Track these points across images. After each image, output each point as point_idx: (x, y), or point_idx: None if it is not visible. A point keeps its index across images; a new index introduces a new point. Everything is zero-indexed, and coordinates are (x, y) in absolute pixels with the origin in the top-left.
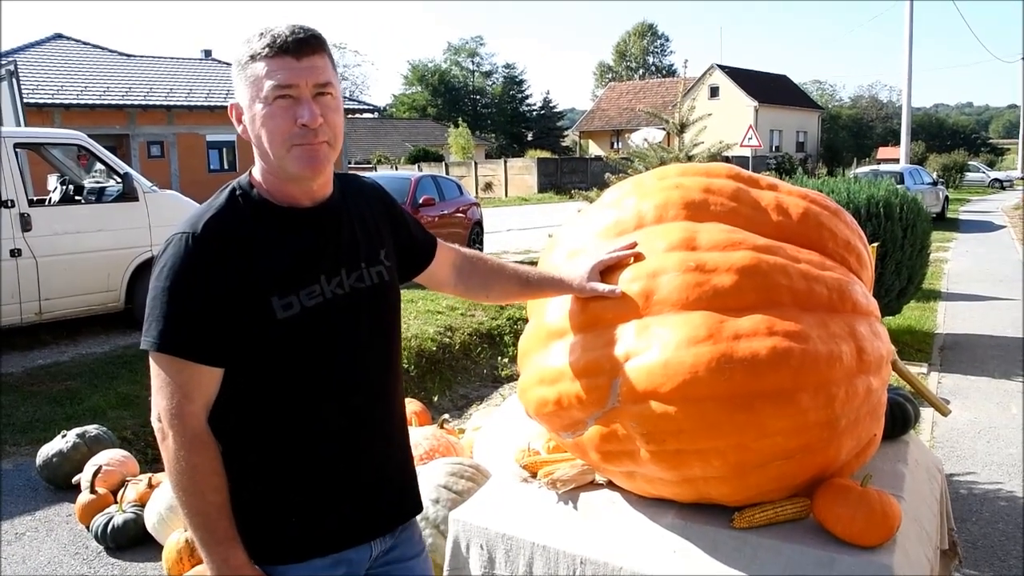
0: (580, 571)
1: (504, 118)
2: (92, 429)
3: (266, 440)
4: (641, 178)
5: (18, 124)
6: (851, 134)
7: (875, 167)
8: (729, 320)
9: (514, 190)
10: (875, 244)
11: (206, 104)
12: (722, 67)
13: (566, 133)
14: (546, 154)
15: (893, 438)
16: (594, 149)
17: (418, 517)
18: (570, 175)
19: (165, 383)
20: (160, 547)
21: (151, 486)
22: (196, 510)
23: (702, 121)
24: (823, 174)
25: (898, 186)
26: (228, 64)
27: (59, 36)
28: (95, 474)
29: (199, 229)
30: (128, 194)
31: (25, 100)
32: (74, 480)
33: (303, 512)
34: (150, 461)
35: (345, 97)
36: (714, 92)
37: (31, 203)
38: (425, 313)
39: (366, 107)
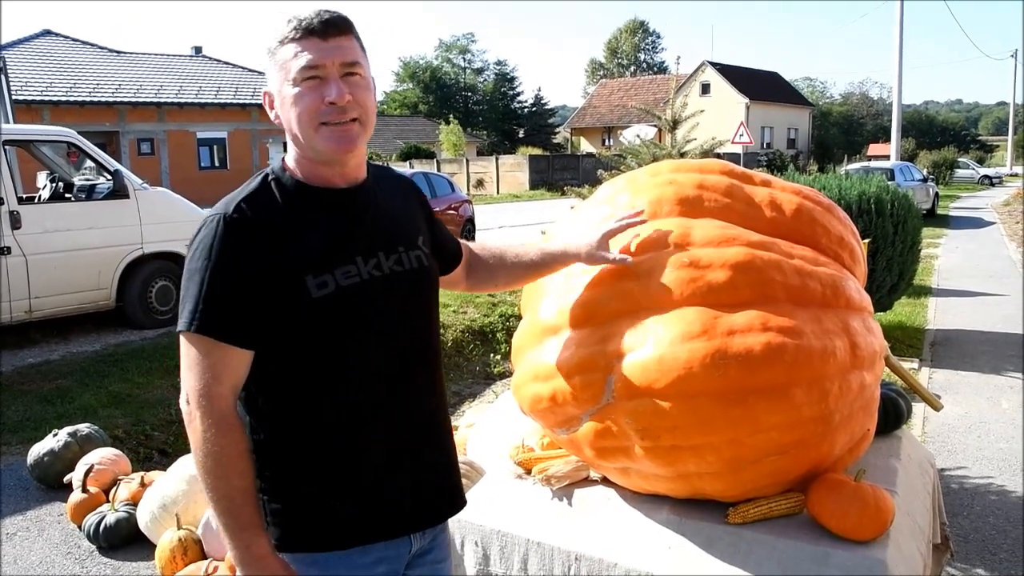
0: (575, 568)
1: (496, 115)
2: (83, 428)
3: (298, 423)
4: (634, 174)
5: (7, 121)
6: (842, 131)
7: (866, 164)
8: (723, 316)
9: (506, 187)
10: (866, 240)
11: (197, 101)
12: (713, 64)
13: (558, 130)
14: (538, 151)
15: (886, 433)
16: (586, 146)
17: None
18: (562, 172)
19: (195, 363)
20: (153, 546)
21: (143, 485)
22: (221, 494)
23: (694, 118)
24: (814, 171)
25: (889, 183)
26: (219, 61)
27: (48, 32)
28: (87, 473)
29: (231, 210)
30: (119, 191)
31: (14, 97)
32: (66, 479)
33: (340, 495)
34: (142, 460)
35: None
36: (705, 89)
37: (20, 200)
38: None
39: None
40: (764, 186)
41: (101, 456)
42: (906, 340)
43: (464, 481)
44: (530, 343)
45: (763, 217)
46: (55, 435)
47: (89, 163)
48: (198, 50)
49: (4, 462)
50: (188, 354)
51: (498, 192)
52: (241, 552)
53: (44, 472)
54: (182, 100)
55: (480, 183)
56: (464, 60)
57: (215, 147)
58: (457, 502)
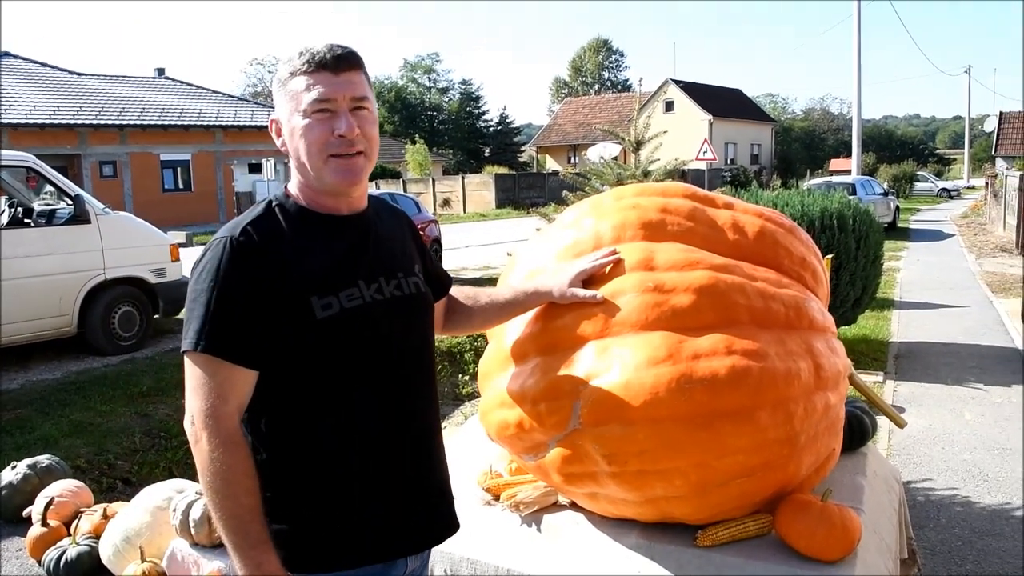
0: None
1: (461, 134)
2: (43, 459)
3: (300, 444)
4: (599, 198)
5: None
6: (804, 146)
7: (828, 179)
8: (688, 340)
9: (472, 206)
10: (829, 256)
11: (160, 123)
12: (677, 82)
13: (523, 148)
14: (503, 170)
15: (851, 450)
16: (551, 164)
17: None
18: (528, 191)
19: (201, 384)
20: None
21: (106, 517)
22: (229, 513)
23: (658, 138)
24: (777, 186)
25: (851, 197)
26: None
27: (6, 55)
28: (47, 506)
29: (238, 233)
30: (79, 216)
31: None
32: (25, 513)
33: (339, 517)
34: (105, 490)
35: None
36: (669, 107)
37: None
38: None
39: None
40: (727, 209)
41: (62, 488)
42: (870, 353)
43: None
44: (496, 369)
45: (726, 240)
46: (13, 467)
47: (49, 188)
48: (161, 72)
49: None
50: (194, 375)
51: (465, 211)
52: (252, 570)
53: (2, 506)
54: (145, 122)
55: (447, 202)
56: (429, 80)
57: (179, 169)
58: (452, 524)
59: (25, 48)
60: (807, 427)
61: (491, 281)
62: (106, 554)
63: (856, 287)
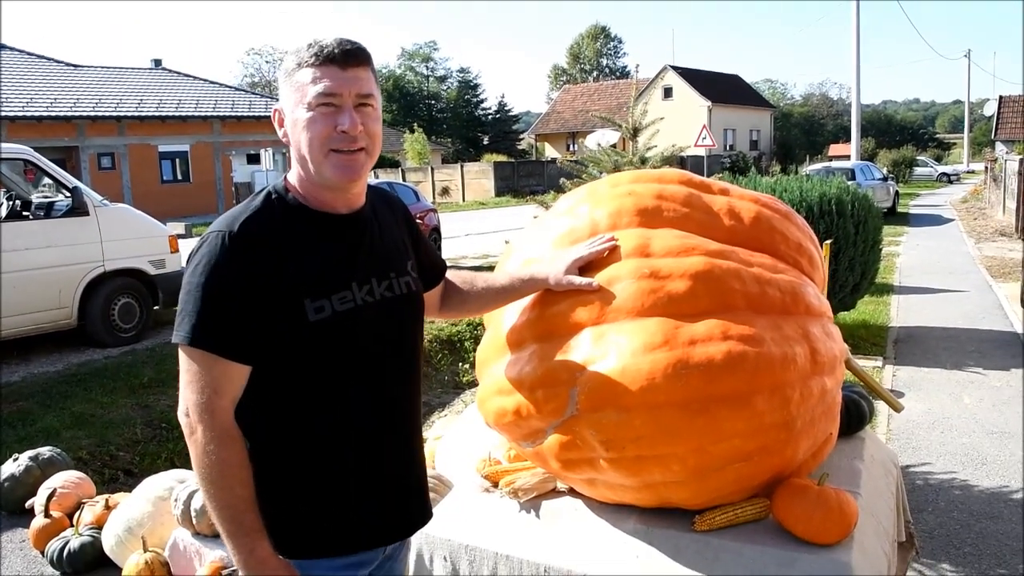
0: None
1: (460, 122)
2: (45, 451)
3: (292, 438)
4: (595, 186)
5: None
6: (803, 131)
7: (827, 164)
8: (684, 326)
9: (471, 194)
10: (828, 241)
11: (158, 114)
12: (675, 68)
13: (522, 136)
14: (502, 158)
15: (849, 435)
16: (550, 151)
17: None
18: (527, 178)
19: (196, 377)
20: (119, 570)
21: (108, 508)
22: (224, 503)
23: (655, 124)
24: (776, 172)
25: (849, 183)
26: (180, 73)
27: (2, 47)
28: (49, 497)
29: (235, 228)
30: (78, 208)
31: None
32: (28, 505)
33: (328, 510)
34: (107, 481)
35: None
36: (668, 93)
37: None
38: None
39: None
40: (722, 195)
41: (64, 479)
42: (870, 339)
43: (432, 495)
44: (494, 356)
45: (722, 226)
46: (15, 459)
47: (47, 180)
48: (158, 63)
49: None
50: (189, 368)
51: (464, 200)
52: (245, 556)
53: (5, 498)
54: (142, 113)
55: (446, 191)
56: (427, 68)
57: (177, 160)
58: (426, 515)
59: (22, 41)
60: (803, 412)
61: (490, 269)
62: (109, 544)
63: (855, 272)
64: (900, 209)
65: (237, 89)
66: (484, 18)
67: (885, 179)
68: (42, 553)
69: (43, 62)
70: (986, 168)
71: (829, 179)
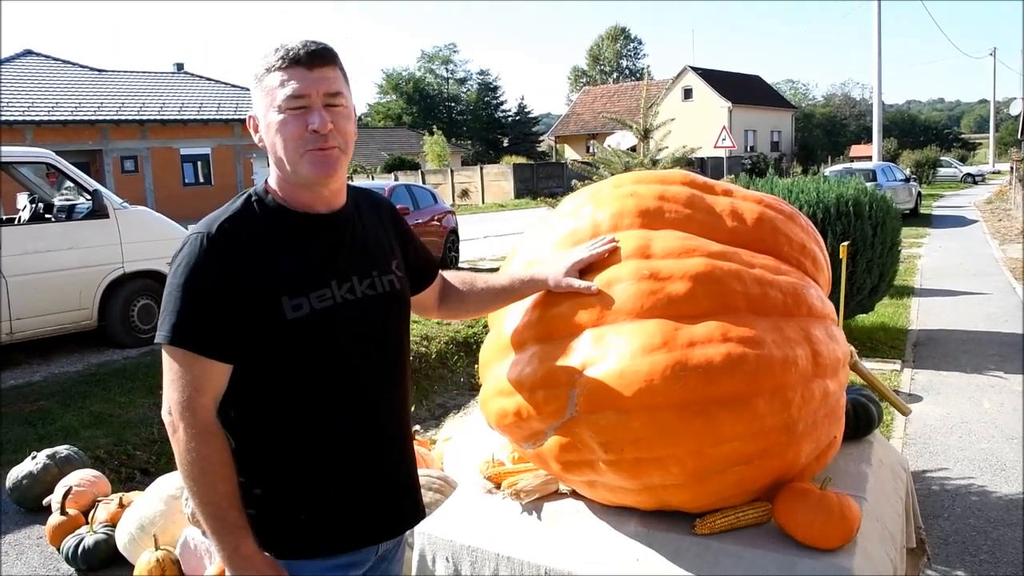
0: None
1: (479, 125)
2: (63, 450)
3: (273, 437)
4: (598, 186)
5: None
6: (825, 132)
7: (848, 165)
8: (684, 327)
9: (491, 196)
10: (845, 243)
11: (179, 118)
12: (695, 69)
13: (542, 138)
14: (522, 160)
15: (857, 439)
16: (570, 154)
17: None
18: (546, 180)
19: (177, 376)
20: (132, 567)
21: (122, 506)
22: (206, 500)
23: (666, 126)
24: (798, 173)
25: (868, 184)
26: (201, 77)
27: (29, 52)
28: (65, 495)
29: (214, 230)
30: (98, 211)
31: None
32: (45, 502)
33: (311, 509)
34: (124, 480)
35: None
36: (687, 94)
37: (0, 223)
38: None
39: None
40: (725, 196)
41: (80, 478)
42: (888, 341)
43: (438, 496)
44: (496, 357)
45: (724, 227)
46: (34, 457)
47: (68, 183)
48: (180, 67)
49: None
50: (170, 367)
51: (483, 202)
52: (229, 553)
53: (23, 495)
54: (165, 117)
55: (465, 193)
56: (447, 70)
57: (199, 163)
58: (418, 514)
59: (48, 46)
60: (805, 414)
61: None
62: (122, 542)
63: (873, 274)
64: (923, 210)
65: None
66: (503, 20)
67: (907, 180)
68: (58, 550)
69: (68, 67)
70: (1012, 168)
71: (846, 180)
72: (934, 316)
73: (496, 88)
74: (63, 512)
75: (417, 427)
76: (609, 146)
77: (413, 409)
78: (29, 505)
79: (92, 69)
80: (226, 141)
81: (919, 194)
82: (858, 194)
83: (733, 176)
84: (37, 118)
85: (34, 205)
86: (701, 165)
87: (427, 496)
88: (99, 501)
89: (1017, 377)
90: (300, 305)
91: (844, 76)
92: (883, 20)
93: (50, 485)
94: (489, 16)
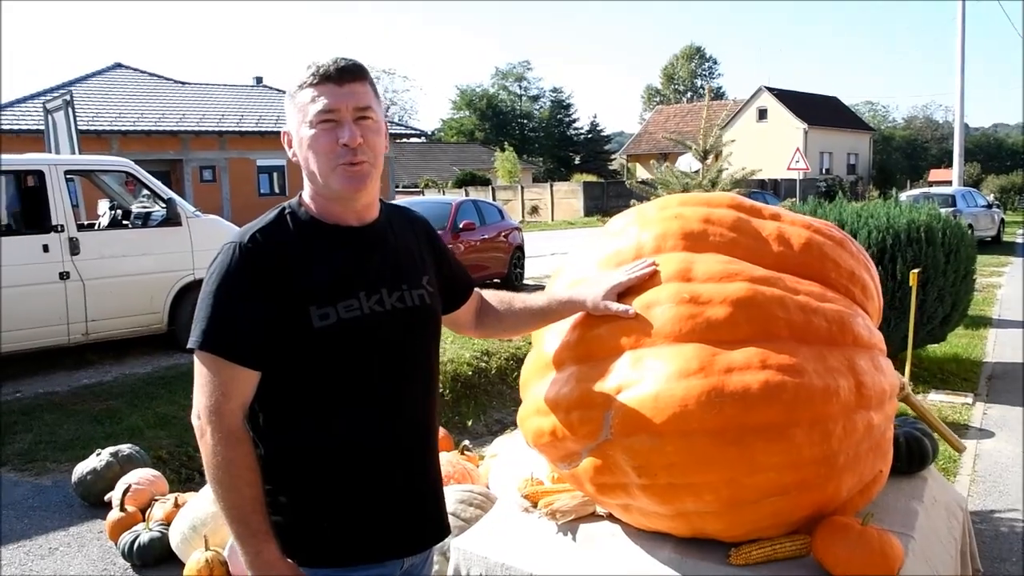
0: None
1: (551, 142)
2: (125, 448)
3: (299, 446)
4: (644, 207)
5: (73, 152)
6: (905, 155)
7: (926, 190)
8: (722, 353)
9: (560, 214)
10: (915, 271)
11: (257, 130)
12: (770, 89)
13: (613, 157)
14: (592, 178)
15: (910, 474)
16: (641, 172)
17: None
18: (616, 199)
19: (207, 381)
20: (182, 565)
21: (177, 505)
22: (231, 503)
23: (728, 147)
24: (874, 196)
25: (947, 209)
26: (279, 91)
27: (119, 65)
28: (125, 492)
29: (246, 239)
30: (172, 219)
31: (85, 127)
32: (106, 498)
33: (335, 519)
34: (183, 480)
35: (393, 122)
36: (762, 115)
37: (80, 227)
38: (461, 337)
39: (414, 132)
40: (773, 219)
41: (140, 476)
42: (961, 373)
43: (478, 512)
44: (535, 376)
45: (770, 251)
46: (98, 455)
47: (145, 192)
48: (259, 80)
49: (53, 479)
50: (200, 372)
51: (552, 219)
52: (252, 558)
53: (87, 490)
54: (243, 129)
55: (535, 210)
56: (520, 87)
57: (274, 174)
58: (443, 530)
59: (137, 58)
60: (847, 447)
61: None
62: (175, 541)
63: (945, 303)
64: (1006, 238)
65: None
66: (578, 38)
67: (990, 206)
68: (116, 544)
69: (154, 79)
70: None
71: (919, 206)
72: (1011, 349)
73: (569, 106)
74: (122, 508)
75: (467, 442)
76: (668, 166)
77: (471, 424)
78: (92, 500)
79: (176, 81)
80: None
81: (1002, 221)
82: (930, 220)
83: (792, 201)
84: (123, 128)
85: (113, 212)
86: (774, 187)
87: (468, 512)
88: (156, 500)
89: None
90: (327, 315)
91: (927, 98)
92: (968, 41)
93: (112, 482)
94: (563, 34)
